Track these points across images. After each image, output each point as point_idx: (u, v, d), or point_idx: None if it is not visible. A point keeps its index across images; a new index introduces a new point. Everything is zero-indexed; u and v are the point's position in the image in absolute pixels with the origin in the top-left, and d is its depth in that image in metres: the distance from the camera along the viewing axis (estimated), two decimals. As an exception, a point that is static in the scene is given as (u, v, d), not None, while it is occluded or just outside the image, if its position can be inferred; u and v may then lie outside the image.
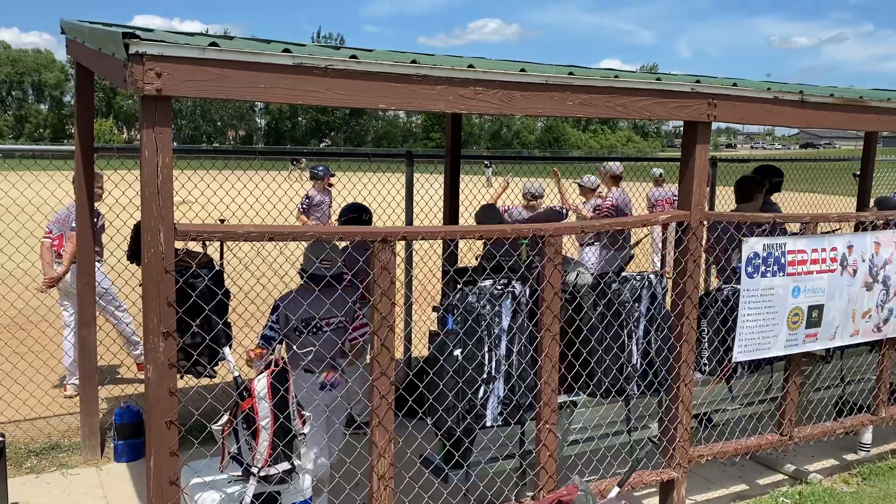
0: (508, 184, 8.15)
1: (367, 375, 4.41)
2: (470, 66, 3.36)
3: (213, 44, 2.85)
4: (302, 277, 4.27)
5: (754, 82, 4.29)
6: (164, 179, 2.89)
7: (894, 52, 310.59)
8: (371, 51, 3.16)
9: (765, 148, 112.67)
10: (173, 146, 2.93)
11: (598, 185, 8.09)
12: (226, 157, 8.40)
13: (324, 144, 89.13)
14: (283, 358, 3.35)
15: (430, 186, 7.40)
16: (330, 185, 10.99)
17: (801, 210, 9.97)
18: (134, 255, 5.43)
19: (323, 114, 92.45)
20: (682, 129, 4.37)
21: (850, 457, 5.75)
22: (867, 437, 5.76)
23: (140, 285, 5.33)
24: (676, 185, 4.63)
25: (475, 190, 7.65)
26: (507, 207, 7.86)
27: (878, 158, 9.11)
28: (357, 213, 5.84)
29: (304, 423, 3.43)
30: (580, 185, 8.12)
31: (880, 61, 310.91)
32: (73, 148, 5.35)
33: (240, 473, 3.45)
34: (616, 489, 3.76)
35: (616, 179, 7.80)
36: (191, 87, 2.86)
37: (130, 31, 2.71)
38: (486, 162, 27.73)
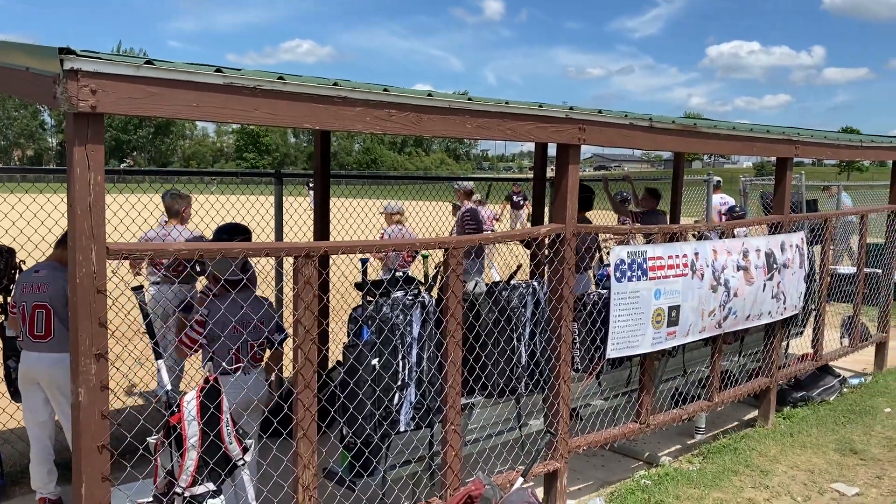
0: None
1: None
2: (385, 89, 3.57)
3: (148, 62, 2.85)
4: (216, 283, 4.32)
5: (615, 111, 4.84)
6: (97, 197, 2.83)
7: (671, 83, 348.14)
8: (300, 75, 3.28)
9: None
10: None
11: (399, 210, 8.24)
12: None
13: (125, 165, 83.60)
14: (214, 376, 3.33)
15: (263, 207, 7.18)
16: None
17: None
18: (-8, 282, 5.06)
19: (124, 133, 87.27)
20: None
21: (689, 440, 6.51)
22: (702, 421, 6.56)
23: (-2, 314, 5.03)
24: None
25: (300, 210, 7.65)
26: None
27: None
28: (230, 234, 5.77)
29: (244, 449, 3.41)
30: (384, 212, 8.33)
31: (661, 91, 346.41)
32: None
33: (151, 500, 3.38)
34: (520, 479, 4.08)
35: (468, 194, 8.40)
36: (125, 105, 2.84)
37: (65, 46, 2.65)
38: (309, 183, 27.64)
